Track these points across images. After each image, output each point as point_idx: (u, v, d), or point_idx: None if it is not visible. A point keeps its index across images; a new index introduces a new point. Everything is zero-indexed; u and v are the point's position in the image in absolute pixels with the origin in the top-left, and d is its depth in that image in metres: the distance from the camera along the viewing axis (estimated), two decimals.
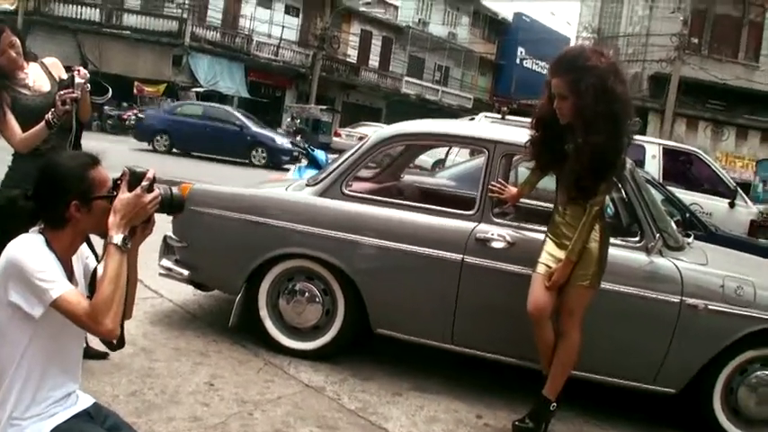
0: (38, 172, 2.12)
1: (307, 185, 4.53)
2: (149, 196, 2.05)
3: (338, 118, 35.75)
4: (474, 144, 4.45)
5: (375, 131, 4.56)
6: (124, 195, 2.03)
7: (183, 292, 5.28)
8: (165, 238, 4.68)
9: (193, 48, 32.30)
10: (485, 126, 4.82)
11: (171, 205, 2.15)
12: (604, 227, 3.66)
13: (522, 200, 4.28)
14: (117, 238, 2.00)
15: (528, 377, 3.97)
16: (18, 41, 3.40)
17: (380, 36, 43.05)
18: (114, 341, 2.21)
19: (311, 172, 7.64)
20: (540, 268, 3.68)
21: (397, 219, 4.19)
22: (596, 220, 3.56)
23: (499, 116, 9.42)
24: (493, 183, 4.09)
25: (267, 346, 4.40)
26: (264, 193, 4.66)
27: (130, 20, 31.49)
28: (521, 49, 49.52)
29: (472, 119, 10.53)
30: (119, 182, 2.07)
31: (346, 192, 4.31)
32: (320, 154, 7.97)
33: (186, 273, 4.53)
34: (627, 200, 4.16)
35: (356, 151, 4.41)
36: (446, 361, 4.42)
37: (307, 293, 4.32)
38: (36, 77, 3.54)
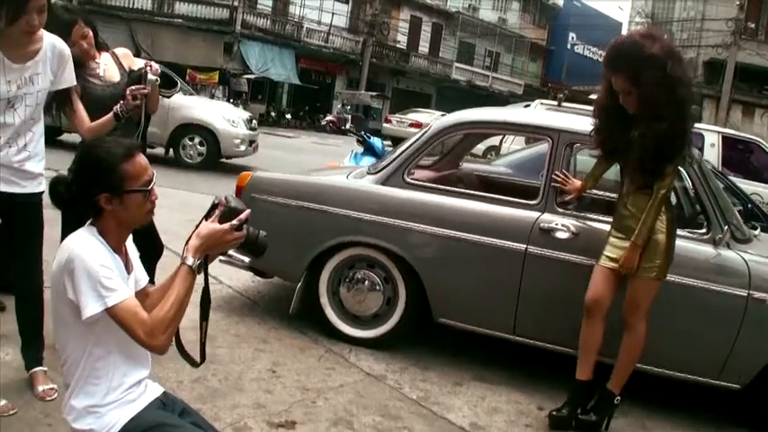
0: (76, 158, 2.13)
1: (368, 173, 4.52)
2: (235, 235, 2.05)
3: (388, 104, 35.75)
4: (537, 133, 4.37)
5: (436, 119, 4.52)
6: (213, 225, 2.03)
7: (243, 279, 5.34)
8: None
9: (244, 35, 32.53)
10: (547, 114, 4.72)
11: (253, 249, 2.15)
12: (671, 217, 3.58)
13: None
14: (192, 260, 2.00)
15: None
16: (90, 32, 3.46)
17: (430, 22, 42.82)
18: (198, 359, 2.21)
19: (367, 159, 7.64)
20: (604, 261, 3.62)
21: (459, 208, 4.15)
22: (663, 205, 3.48)
23: (555, 103, 9.29)
24: (557, 173, 4.02)
25: (327, 334, 4.42)
26: (326, 180, 4.67)
27: (182, 8, 31.82)
28: (572, 35, 48.74)
29: (528, 106, 10.41)
30: (215, 208, 2.07)
31: (408, 180, 4.29)
32: (377, 141, 7.96)
33: (247, 260, 4.55)
34: (693, 190, 4.06)
35: (418, 139, 4.37)
36: (505, 351, 4.39)
37: (368, 282, 4.32)
38: (107, 68, 3.59)
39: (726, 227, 3.84)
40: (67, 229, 3.56)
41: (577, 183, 4.02)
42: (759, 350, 3.76)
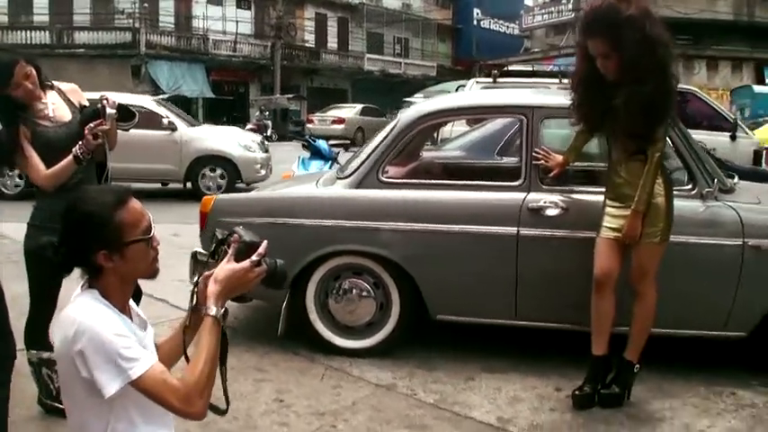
0: (61, 217, 1.87)
1: (338, 178, 4.33)
2: (256, 271, 1.82)
3: (305, 104, 35.44)
4: (510, 112, 4.27)
5: (401, 112, 4.36)
6: (230, 266, 1.81)
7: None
8: (195, 254, 4.44)
9: (150, 55, 31.78)
10: (515, 92, 4.65)
11: (273, 281, 1.90)
12: (668, 179, 3.54)
13: None
14: (215, 310, 1.78)
15: (587, 341, 3.81)
16: (34, 71, 3.12)
17: (335, 17, 42.63)
18: (222, 406, 1.98)
19: (316, 163, 7.45)
20: (605, 232, 3.55)
21: (443, 200, 4.02)
22: (659, 169, 3.43)
23: (490, 80, 9.25)
24: (537, 150, 3.93)
25: (322, 350, 4.22)
26: (296, 192, 4.47)
27: (82, 37, 31.01)
28: (476, 11, 49.25)
29: (462, 87, 10.36)
30: (225, 245, 1.86)
31: (384, 179, 4.12)
32: (322, 143, 7.78)
33: None
34: (673, 148, 4.03)
35: (387, 136, 4.20)
36: (506, 338, 4.29)
37: (356, 290, 4.14)
38: (55, 107, 3.25)
39: (715, 180, 3.82)
40: (35, 282, 3.29)
41: (559, 158, 3.93)
42: (760, 296, 3.77)
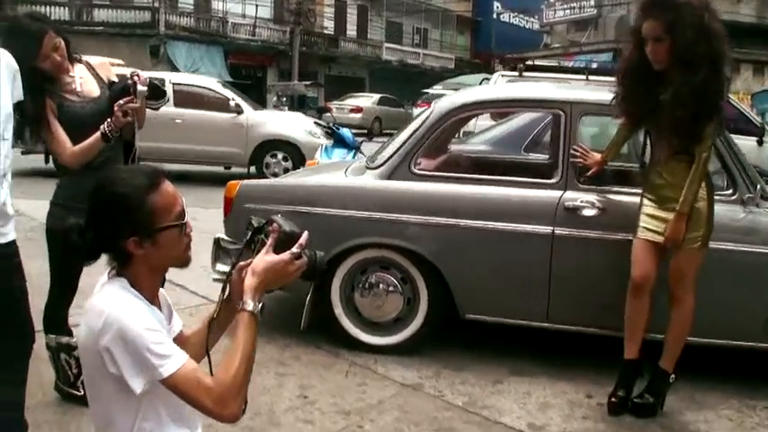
0: (89, 199, 1.74)
1: (368, 168, 4.21)
2: (297, 264, 1.69)
3: (323, 92, 35.24)
4: (548, 106, 4.13)
5: (435, 103, 4.21)
6: (270, 258, 1.68)
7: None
8: (218, 240, 4.34)
9: (169, 36, 31.53)
10: (553, 87, 4.50)
11: (312, 274, 1.76)
12: (710, 183, 3.40)
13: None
14: (252, 305, 1.65)
15: (619, 347, 3.69)
16: (63, 43, 2.99)
17: (355, 4, 42.31)
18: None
19: (339, 151, 7.34)
20: (643, 232, 3.42)
21: (476, 195, 3.90)
22: (705, 170, 3.30)
23: (516, 74, 9.10)
24: (575, 147, 3.80)
25: (346, 345, 4.10)
26: (325, 181, 4.34)
27: (101, 14, 30.69)
28: (496, 4, 48.75)
29: (486, 80, 10.21)
30: (262, 234, 1.73)
31: (417, 171, 4.00)
32: (346, 132, 7.65)
33: None
34: (715, 150, 3.88)
35: (420, 126, 4.06)
36: (534, 340, 4.17)
37: (383, 284, 4.03)
38: (83, 81, 3.11)
39: (758, 186, 3.68)
40: (56, 264, 3.18)
41: (597, 156, 3.79)
42: None
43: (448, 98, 4.39)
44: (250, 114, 11.12)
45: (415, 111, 23.13)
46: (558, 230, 3.74)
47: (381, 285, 4.03)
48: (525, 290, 3.86)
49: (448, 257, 3.89)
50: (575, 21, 32.90)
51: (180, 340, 1.89)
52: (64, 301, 3.18)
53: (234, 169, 11.46)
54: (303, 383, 3.66)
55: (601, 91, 3.74)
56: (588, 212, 3.73)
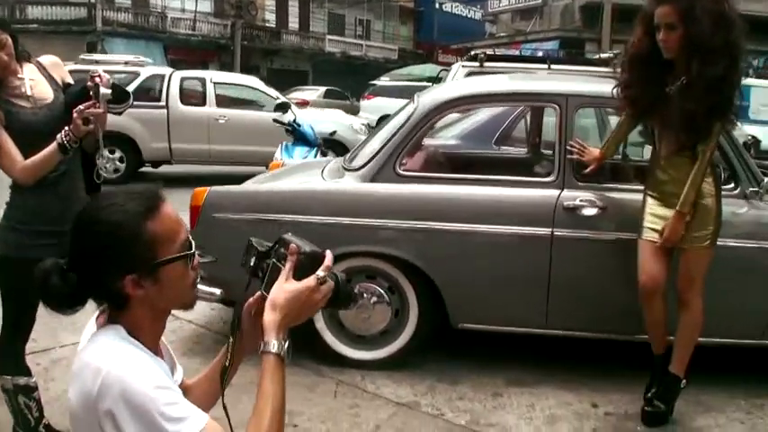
0: (70, 232, 1.39)
1: (347, 170, 3.91)
2: (323, 290, 1.40)
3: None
4: (542, 100, 3.89)
5: (419, 97, 3.92)
6: (292, 287, 1.38)
7: (202, 311, 4.59)
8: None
9: (107, 32, 30.68)
10: (546, 79, 4.27)
11: (336, 301, 1.47)
12: (717, 178, 3.22)
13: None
14: (277, 345, 1.35)
15: (619, 352, 3.51)
16: (10, 40, 2.59)
17: None
18: None
19: (300, 149, 6.99)
20: (648, 233, 3.22)
21: (469, 197, 3.64)
22: (708, 167, 3.10)
23: (477, 64, 8.86)
24: (571, 143, 3.57)
25: (329, 362, 3.81)
26: (302, 186, 4.02)
27: (35, 12, 29.67)
28: None
29: (446, 71, 9.94)
30: (277, 256, 1.43)
31: (402, 172, 3.71)
32: (307, 128, 7.27)
33: (218, 291, 3.80)
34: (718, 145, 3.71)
35: (404, 124, 3.77)
36: (524, 346, 3.94)
37: (369, 295, 3.74)
38: (34, 83, 2.70)
39: (765, 180, 3.52)
40: (8, 296, 2.80)
41: (595, 151, 3.57)
42: None
43: (432, 92, 4.10)
44: (295, 112, 10.75)
45: (363, 103, 22.90)
46: (558, 232, 3.52)
47: (366, 296, 3.74)
48: (523, 296, 3.64)
49: (439, 265, 3.62)
50: (520, 9, 32.98)
51: (181, 387, 1.57)
52: (18, 337, 2.78)
53: None
54: (290, 409, 3.29)
55: (595, 82, 3.52)
56: (588, 212, 3.52)
